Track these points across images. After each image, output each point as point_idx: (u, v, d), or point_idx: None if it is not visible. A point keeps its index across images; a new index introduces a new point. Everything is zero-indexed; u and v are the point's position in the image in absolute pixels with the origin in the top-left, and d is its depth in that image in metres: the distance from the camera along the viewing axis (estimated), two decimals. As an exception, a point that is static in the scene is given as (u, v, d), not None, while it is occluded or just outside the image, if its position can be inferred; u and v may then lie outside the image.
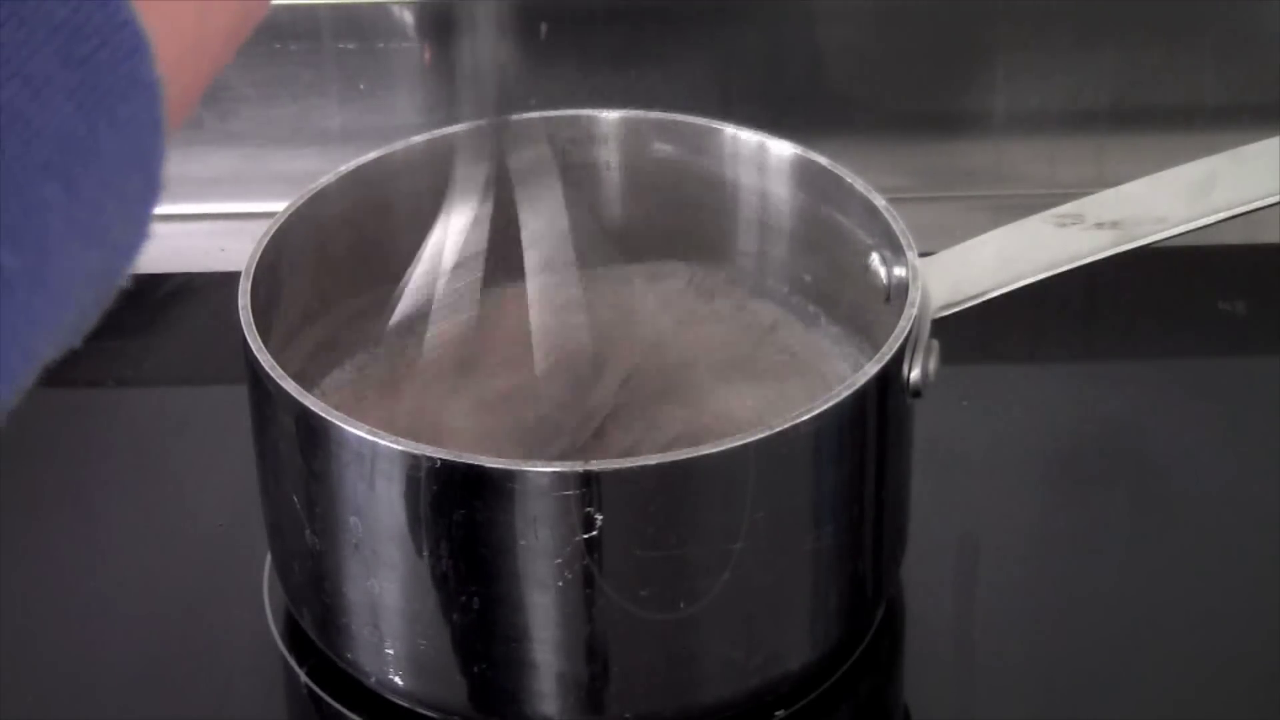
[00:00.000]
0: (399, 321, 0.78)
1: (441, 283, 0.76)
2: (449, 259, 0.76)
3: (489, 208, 0.76)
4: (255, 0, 0.47)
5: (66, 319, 0.42)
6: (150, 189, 0.43)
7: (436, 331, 0.78)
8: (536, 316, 0.76)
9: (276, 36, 1.02)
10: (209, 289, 0.96)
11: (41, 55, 0.39)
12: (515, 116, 0.75)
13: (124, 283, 0.44)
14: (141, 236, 0.43)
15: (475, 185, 0.75)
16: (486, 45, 0.72)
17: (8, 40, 0.38)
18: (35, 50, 0.39)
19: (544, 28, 1.01)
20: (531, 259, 0.76)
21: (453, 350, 0.79)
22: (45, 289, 0.40)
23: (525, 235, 0.76)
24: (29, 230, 0.39)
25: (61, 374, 0.97)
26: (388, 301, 0.83)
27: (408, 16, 1.02)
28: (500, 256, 0.77)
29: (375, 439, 0.67)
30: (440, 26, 1.02)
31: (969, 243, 0.79)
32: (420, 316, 0.77)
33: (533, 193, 0.75)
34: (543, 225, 0.75)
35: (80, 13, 0.40)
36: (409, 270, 0.77)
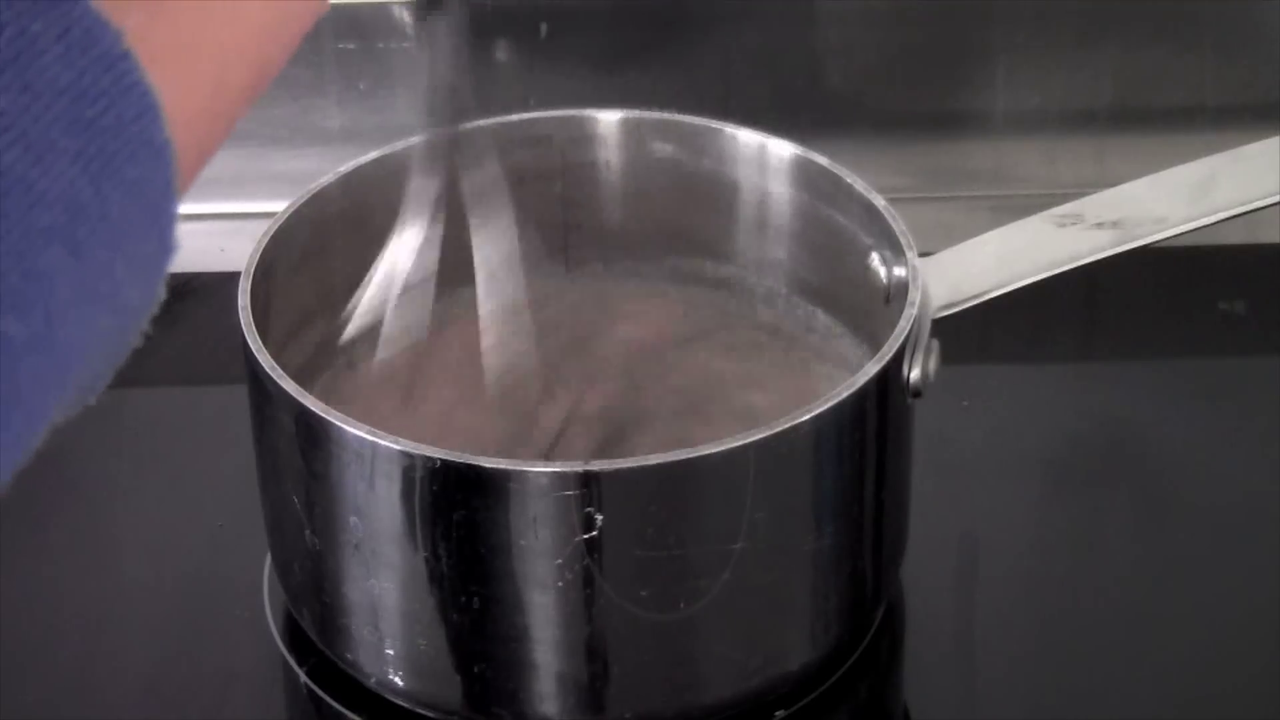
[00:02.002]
0: (354, 338, 0.77)
1: (391, 306, 0.75)
2: (399, 281, 0.75)
3: (439, 228, 0.75)
4: (274, 55, 0.46)
5: (77, 380, 0.41)
6: (162, 250, 0.42)
7: (386, 355, 0.77)
8: (487, 338, 0.75)
9: (276, 37, 1.02)
10: (209, 289, 0.96)
11: (45, 119, 0.38)
12: (466, 127, 0.74)
13: (138, 342, 0.43)
14: (153, 296, 0.43)
15: (427, 202, 0.74)
16: (441, 56, 0.71)
17: (10, 105, 0.38)
18: (39, 115, 0.38)
19: (544, 28, 1.01)
20: (482, 279, 0.75)
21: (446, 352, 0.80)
22: (52, 354, 0.39)
23: (477, 256, 0.75)
24: (32, 297, 0.38)
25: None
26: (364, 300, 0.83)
27: (408, 16, 1.02)
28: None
29: (376, 439, 0.67)
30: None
31: (968, 243, 0.79)
32: (371, 337, 0.77)
33: (484, 210, 0.74)
34: (492, 245, 0.74)
35: (87, 76, 0.39)
36: (357, 292, 0.76)
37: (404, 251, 0.75)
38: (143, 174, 0.41)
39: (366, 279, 0.76)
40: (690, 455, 0.67)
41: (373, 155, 0.81)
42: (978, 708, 0.77)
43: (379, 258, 0.75)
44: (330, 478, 0.69)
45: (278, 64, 0.47)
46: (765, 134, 0.82)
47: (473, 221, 0.74)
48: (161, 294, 0.43)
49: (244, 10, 0.45)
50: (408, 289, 0.75)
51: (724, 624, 0.71)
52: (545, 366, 0.77)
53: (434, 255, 0.75)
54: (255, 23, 0.45)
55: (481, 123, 0.81)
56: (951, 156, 1.05)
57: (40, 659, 0.78)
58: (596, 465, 0.66)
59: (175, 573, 0.82)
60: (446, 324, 0.80)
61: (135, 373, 0.98)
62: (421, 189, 0.74)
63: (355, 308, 0.76)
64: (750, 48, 1.03)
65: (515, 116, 0.83)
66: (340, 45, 1.02)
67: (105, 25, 0.40)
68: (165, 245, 0.42)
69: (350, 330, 0.77)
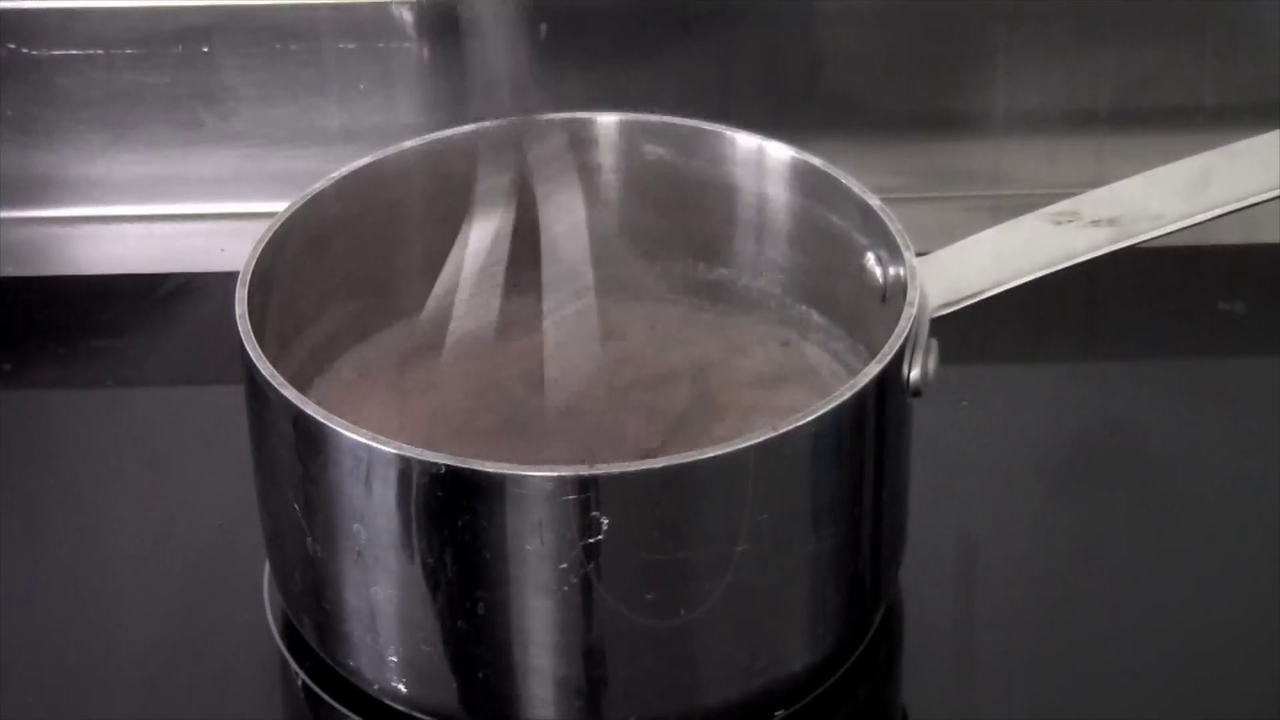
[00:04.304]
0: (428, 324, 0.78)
1: (463, 292, 0.76)
2: (471, 266, 0.75)
3: (511, 214, 0.75)
4: None
5: None
6: None
7: (456, 339, 0.78)
8: (552, 330, 0.76)
9: (276, 36, 1.02)
10: (209, 289, 0.96)
11: None
12: (536, 116, 0.75)
13: None
14: None
15: (499, 189, 0.75)
16: (498, 44, 0.72)
17: None
18: None
19: (544, 28, 1.01)
20: (549, 266, 0.75)
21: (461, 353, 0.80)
22: None
23: (545, 242, 0.76)
24: None
25: (62, 374, 0.98)
26: (384, 305, 0.83)
27: (408, 16, 1.02)
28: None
29: (381, 446, 0.67)
30: (440, 26, 1.02)
31: (964, 241, 0.79)
32: (441, 324, 0.77)
33: (552, 197, 0.75)
34: (562, 232, 0.75)
35: None
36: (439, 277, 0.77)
37: (476, 241, 0.75)
38: None
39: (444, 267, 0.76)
40: (693, 458, 0.67)
41: (368, 159, 0.81)
42: (976, 709, 0.77)
43: (456, 245, 0.76)
44: (332, 484, 0.69)
45: None
46: (762, 136, 0.82)
47: (541, 214, 0.75)
48: None
49: None
50: (479, 279, 0.75)
51: (727, 626, 0.71)
52: (542, 372, 0.77)
53: (504, 247, 0.75)
54: None
55: (475, 126, 0.81)
56: (951, 157, 1.05)
57: (40, 659, 0.78)
58: (601, 469, 0.66)
59: (175, 573, 0.82)
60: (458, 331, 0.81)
61: (135, 373, 0.99)
62: (491, 178, 0.74)
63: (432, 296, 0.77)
64: (750, 48, 1.03)
65: (508, 120, 0.83)
66: (340, 45, 1.02)
67: None
68: None
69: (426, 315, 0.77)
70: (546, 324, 0.77)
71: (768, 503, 0.69)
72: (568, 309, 0.77)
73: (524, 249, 0.79)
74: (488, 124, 0.81)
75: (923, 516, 0.79)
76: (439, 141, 0.82)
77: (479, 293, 0.78)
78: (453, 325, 0.79)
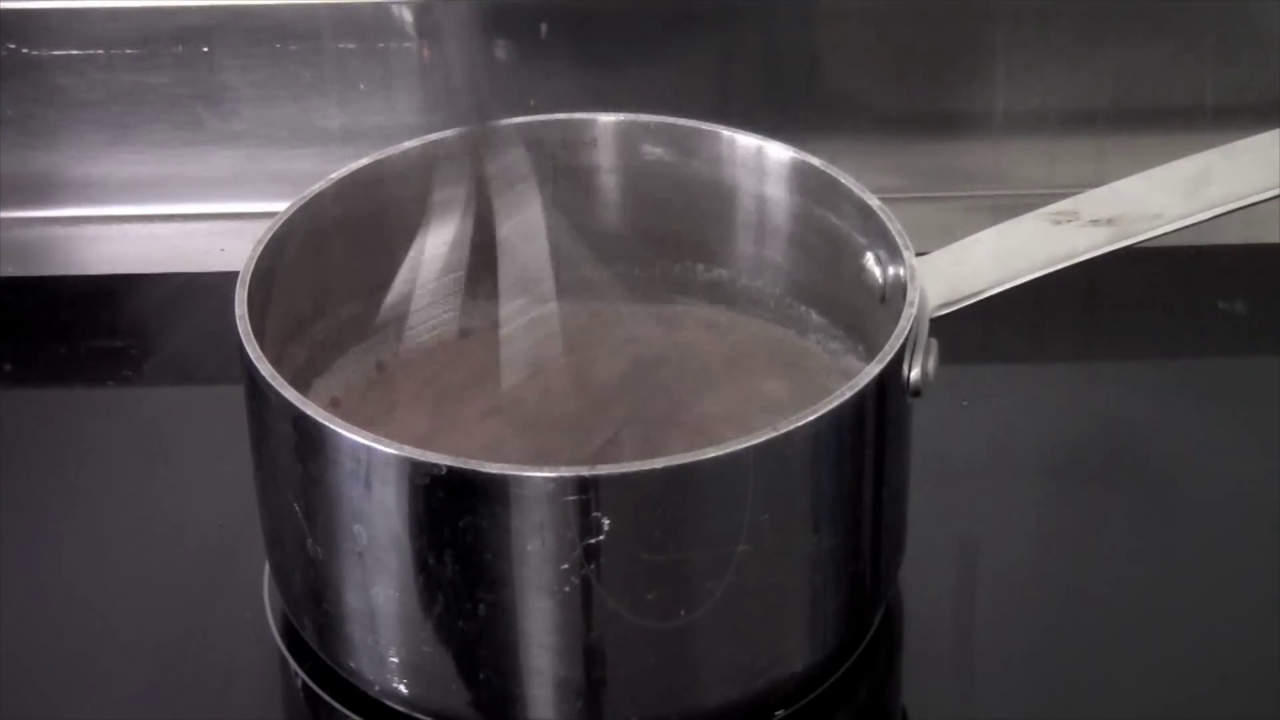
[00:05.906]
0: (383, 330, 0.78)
1: (420, 300, 0.76)
2: (428, 275, 0.75)
3: (470, 224, 0.75)
4: None
5: None
6: None
7: (414, 347, 0.77)
8: (508, 335, 0.76)
9: (276, 36, 1.02)
10: (209, 289, 0.96)
11: None
12: (495, 124, 0.74)
13: None
14: None
15: (456, 198, 0.74)
16: (460, 52, 0.72)
17: None
18: None
19: (544, 28, 1.01)
20: (506, 274, 0.75)
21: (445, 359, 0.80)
22: None
23: (501, 250, 0.76)
24: None
25: (62, 374, 0.98)
26: (384, 305, 0.83)
27: (408, 16, 1.02)
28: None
29: (381, 447, 0.67)
30: (440, 26, 1.02)
31: (963, 241, 0.79)
32: (398, 331, 0.77)
33: (511, 206, 0.75)
34: (520, 240, 0.75)
35: None
36: (391, 286, 0.77)
37: (433, 248, 0.75)
38: None
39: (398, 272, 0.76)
40: (694, 458, 0.67)
41: (366, 160, 0.81)
42: (976, 709, 0.77)
43: (410, 252, 0.76)
44: (333, 485, 0.69)
45: None
46: (761, 137, 0.82)
47: (499, 220, 0.75)
48: None
49: None
50: (437, 284, 0.75)
51: (727, 626, 0.71)
52: (541, 374, 0.77)
53: (463, 254, 0.75)
54: None
55: (472, 127, 0.81)
56: (951, 157, 1.05)
57: (39, 659, 0.78)
58: (602, 470, 0.66)
59: (175, 572, 0.82)
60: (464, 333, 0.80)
61: (135, 373, 0.99)
62: (449, 186, 0.74)
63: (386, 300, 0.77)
64: (749, 48, 1.03)
65: (505, 120, 0.83)
66: (340, 45, 1.02)
67: None
68: None
69: (380, 319, 0.77)
70: (504, 330, 0.77)
71: (768, 503, 0.69)
72: (530, 315, 0.76)
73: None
74: (478, 126, 0.81)
75: (923, 516, 0.79)
76: (438, 142, 0.82)
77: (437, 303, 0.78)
78: (407, 336, 0.79)
